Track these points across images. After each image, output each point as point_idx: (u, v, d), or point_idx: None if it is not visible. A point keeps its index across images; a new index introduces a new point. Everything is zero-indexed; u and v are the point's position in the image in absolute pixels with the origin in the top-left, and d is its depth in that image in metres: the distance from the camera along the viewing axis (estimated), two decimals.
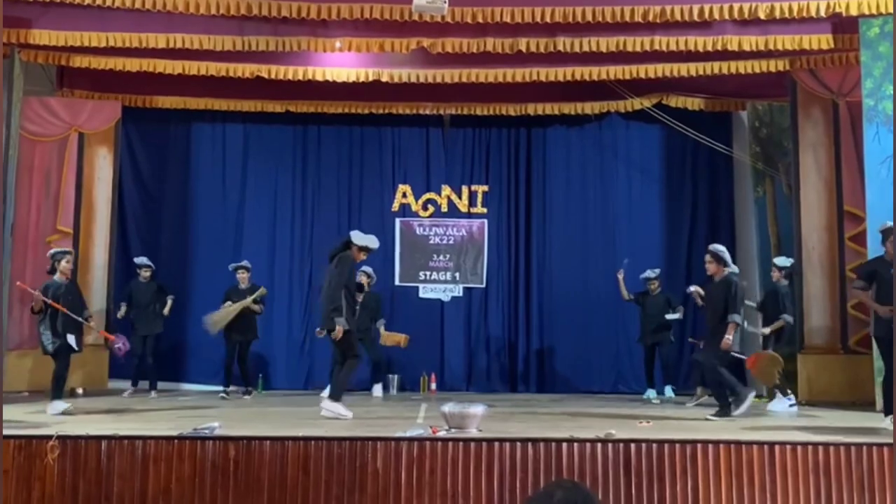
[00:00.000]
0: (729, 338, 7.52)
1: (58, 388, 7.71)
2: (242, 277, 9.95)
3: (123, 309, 10.09)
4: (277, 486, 5.43)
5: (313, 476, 5.45)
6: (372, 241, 7.76)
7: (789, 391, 8.72)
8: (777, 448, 5.52)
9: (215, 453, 5.47)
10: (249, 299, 9.66)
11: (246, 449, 5.49)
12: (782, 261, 9.28)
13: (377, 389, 10.18)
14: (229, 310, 9.59)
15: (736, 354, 7.74)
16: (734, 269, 7.97)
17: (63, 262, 7.99)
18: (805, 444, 5.56)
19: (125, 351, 8.59)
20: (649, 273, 10.16)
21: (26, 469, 5.40)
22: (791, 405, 8.53)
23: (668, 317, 9.93)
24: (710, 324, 7.92)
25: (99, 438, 5.52)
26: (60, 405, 7.49)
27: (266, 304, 10.24)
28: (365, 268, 10.17)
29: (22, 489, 5.37)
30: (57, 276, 7.94)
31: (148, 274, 10.12)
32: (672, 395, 9.98)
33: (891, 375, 6.75)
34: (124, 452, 5.46)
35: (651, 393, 10.03)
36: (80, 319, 7.90)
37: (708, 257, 7.89)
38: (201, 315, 9.87)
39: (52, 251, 8.34)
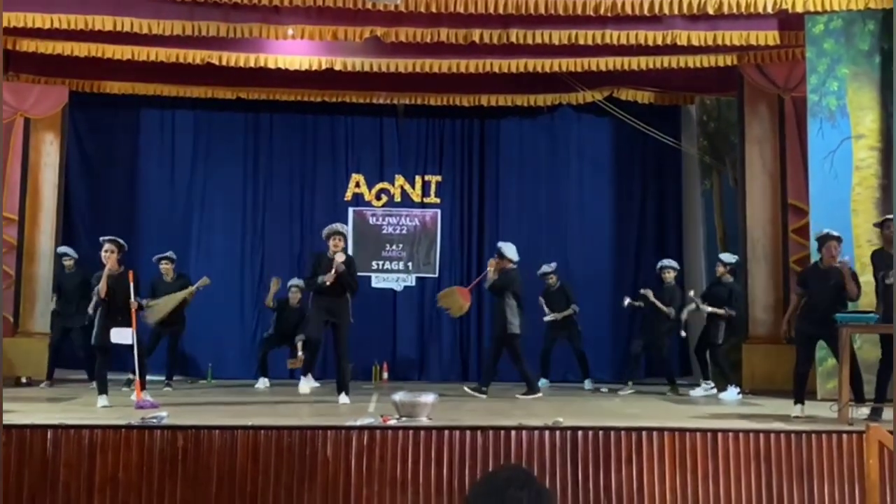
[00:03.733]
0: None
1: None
2: (166, 269, 9.70)
3: (54, 300, 9.90)
4: (226, 475, 5.44)
5: (263, 465, 5.47)
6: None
7: (710, 381, 9.37)
8: (720, 435, 5.68)
9: (163, 442, 5.46)
10: (193, 288, 9.44)
11: (194, 438, 5.48)
12: (728, 257, 9.53)
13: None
14: (171, 299, 9.31)
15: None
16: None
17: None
18: (747, 432, 5.73)
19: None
20: (545, 268, 10.26)
21: None
22: (708, 389, 9.20)
23: (546, 318, 10.09)
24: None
25: (45, 427, 5.47)
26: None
27: (217, 292, 10.14)
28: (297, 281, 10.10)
29: None
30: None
31: (70, 263, 9.82)
32: (590, 387, 10.00)
33: (799, 367, 7.19)
34: (70, 441, 5.41)
35: (543, 382, 9.97)
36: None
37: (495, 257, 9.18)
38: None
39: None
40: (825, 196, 8.69)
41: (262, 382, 9.88)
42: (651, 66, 10.03)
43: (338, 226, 8.31)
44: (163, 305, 9.22)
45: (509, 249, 9.12)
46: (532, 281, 10.99)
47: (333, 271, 7.86)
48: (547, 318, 10.10)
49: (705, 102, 11.29)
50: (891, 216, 7.12)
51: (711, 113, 11.26)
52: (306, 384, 8.44)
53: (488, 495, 1.67)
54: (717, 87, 10.89)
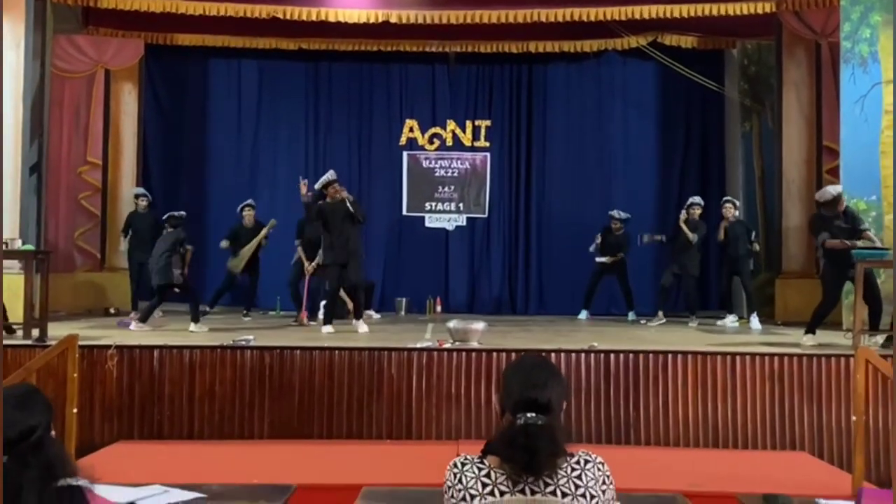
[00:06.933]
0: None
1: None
2: (248, 215, 10.32)
3: (123, 242, 10.55)
4: (307, 388, 6.33)
5: (337, 380, 6.36)
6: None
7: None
8: (738, 358, 6.36)
9: (252, 361, 6.35)
10: (264, 232, 10.12)
11: (279, 357, 6.37)
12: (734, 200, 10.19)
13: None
14: (249, 248, 10.07)
15: None
16: None
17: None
18: (762, 355, 6.40)
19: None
20: (618, 214, 10.70)
21: (90, 374, 6.26)
22: (734, 320, 9.83)
23: (598, 260, 10.71)
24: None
25: (151, 348, 6.38)
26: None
27: (282, 233, 10.94)
28: None
29: (86, 391, 6.21)
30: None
31: (144, 203, 10.47)
32: (633, 318, 10.55)
33: (823, 305, 7.68)
34: (174, 360, 6.33)
35: (584, 314, 10.70)
36: None
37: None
38: (218, 243, 10.49)
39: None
40: (855, 139, 9.11)
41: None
42: (693, 13, 10.34)
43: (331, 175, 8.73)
44: (244, 254, 10.05)
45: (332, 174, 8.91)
46: (577, 222, 11.66)
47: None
48: (599, 260, 10.70)
49: (746, 47, 11.58)
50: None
51: (752, 57, 11.57)
52: (363, 325, 8.43)
53: (517, 372, 2.38)
54: (757, 31, 11.14)
